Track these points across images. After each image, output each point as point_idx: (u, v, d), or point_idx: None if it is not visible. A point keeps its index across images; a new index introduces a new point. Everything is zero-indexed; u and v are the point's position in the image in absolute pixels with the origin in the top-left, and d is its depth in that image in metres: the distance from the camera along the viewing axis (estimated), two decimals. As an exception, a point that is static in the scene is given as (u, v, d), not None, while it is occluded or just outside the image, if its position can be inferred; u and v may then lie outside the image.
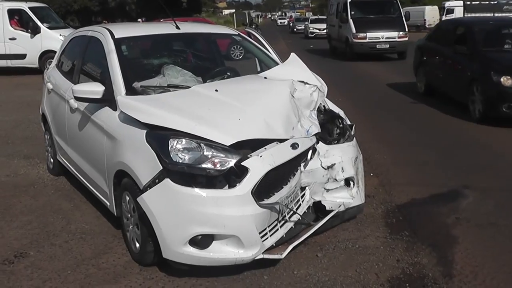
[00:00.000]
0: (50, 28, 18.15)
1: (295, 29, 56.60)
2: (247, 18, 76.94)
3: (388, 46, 21.46)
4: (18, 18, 18.28)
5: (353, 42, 21.50)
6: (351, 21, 21.82)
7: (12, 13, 18.23)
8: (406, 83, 14.08)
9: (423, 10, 51.70)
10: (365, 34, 21.25)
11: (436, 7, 52.09)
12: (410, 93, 12.89)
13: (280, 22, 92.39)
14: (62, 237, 4.93)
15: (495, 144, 8.00)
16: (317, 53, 26.28)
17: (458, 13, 54.70)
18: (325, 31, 39.81)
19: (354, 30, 21.36)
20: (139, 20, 38.09)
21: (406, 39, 21.58)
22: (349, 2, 22.35)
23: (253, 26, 39.94)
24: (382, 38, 21.29)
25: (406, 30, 21.87)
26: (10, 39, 17.84)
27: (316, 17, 52.39)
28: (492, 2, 58.95)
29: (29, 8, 18.33)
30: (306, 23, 48.68)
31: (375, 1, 23.48)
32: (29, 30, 17.88)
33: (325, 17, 46.57)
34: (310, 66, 5.38)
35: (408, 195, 5.86)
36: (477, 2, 60.38)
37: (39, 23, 17.97)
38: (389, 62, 21.36)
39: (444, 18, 54.31)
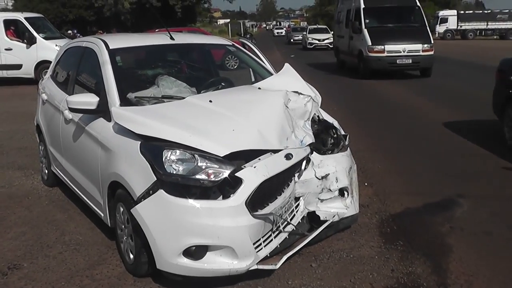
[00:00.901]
0: (46, 38, 18.16)
1: (292, 40, 53.48)
2: (242, 27, 77.21)
3: (410, 61, 18.05)
4: (14, 29, 18.30)
5: (369, 57, 18.18)
6: (365, 31, 18.59)
7: (8, 23, 18.25)
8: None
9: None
10: (383, 47, 18.00)
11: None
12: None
13: (277, 33, 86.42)
14: (56, 248, 4.92)
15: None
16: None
17: (452, 22, 55.10)
18: (325, 41, 39.26)
19: (369, 42, 18.13)
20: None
21: (432, 52, 18.28)
22: (363, 9, 19.16)
23: (247, 36, 40.18)
24: (404, 51, 17.95)
25: (432, 42, 18.50)
26: (6, 49, 17.86)
27: (315, 26, 48.67)
28: (486, 12, 59.44)
29: (25, 18, 18.37)
30: (304, 33, 44.98)
31: (393, 6, 19.67)
32: (25, 41, 17.90)
33: (324, 26, 45.74)
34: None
35: (403, 205, 5.87)
36: (471, 12, 60.87)
37: (35, 34, 18.00)
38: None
39: (438, 27, 54.86)
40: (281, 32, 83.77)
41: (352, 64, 20.33)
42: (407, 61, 18.01)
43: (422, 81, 17.86)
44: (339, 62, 23.13)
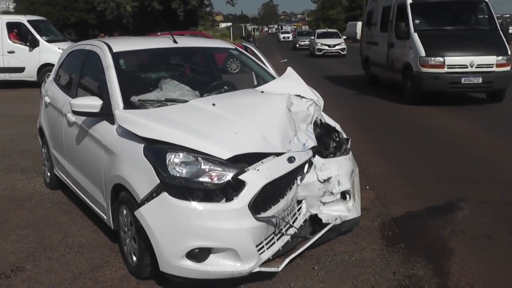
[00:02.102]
0: (48, 41, 18.16)
1: (297, 45, 48.01)
2: (243, 31, 77.27)
3: (480, 80, 12.54)
4: (16, 31, 18.31)
5: (421, 73, 12.80)
6: (415, 36, 13.29)
7: (11, 26, 18.25)
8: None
9: (356, 24, 53.94)
10: (442, 60, 12.63)
11: (360, 23, 54.24)
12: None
13: (283, 37, 75.40)
14: (59, 251, 4.93)
15: (490, 156, 8.02)
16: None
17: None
18: (336, 48, 35.12)
19: (422, 52, 12.85)
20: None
21: (509, 68, 12.82)
22: (410, 4, 13.91)
23: (250, 39, 40.08)
24: (471, 66, 12.54)
25: (509, 52, 12.95)
26: (8, 52, 17.86)
27: (324, 30, 41.90)
28: (485, 16, 59.12)
29: (28, 21, 18.35)
30: (312, 37, 39.11)
31: (452, 1, 14.53)
32: (28, 43, 17.90)
33: (335, 30, 40.33)
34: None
35: (404, 208, 5.89)
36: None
37: (38, 37, 17.99)
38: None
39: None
40: (288, 37, 73.30)
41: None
42: (476, 80, 12.58)
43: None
44: (369, 76, 17.76)
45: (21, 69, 17.85)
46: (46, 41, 18.09)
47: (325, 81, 19.41)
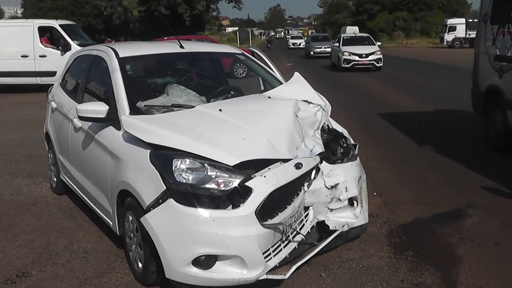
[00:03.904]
0: (80, 45, 18.08)
1: (311, 52, 40.28)
2: (249, 35, 77.51)
3: None
4: (48, 36, 18.35)
5: None
6: None
7: (42, 30, 18.36)
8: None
9: (344, 29, 53.03)
10: None
11: (356, 28, 54.00)
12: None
13: (293, 44, 64.16)
14: (64, 257, 4.92)
15: (497, 161, 7.96)
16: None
17: (460, 31, 54.91)
18: (369, 58, 25.88)
19: None
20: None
21: None
22: None
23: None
24: None
25: None
26: (40, 56, 17.94)
27: (352, 35, 31.93)
28: (494, 20, 59.01)
29: (60, 25, 18.50)
30: (336, 44, 28.85)
31: None
32: (60, 47, 17.95)
33: (365, 35, 31.06)
34: None
35: (412, 214, 5.84)
36: (479, 20, 60.38)
37: (70, 40, 18.07)
38: None
39: (446, 36, 54.72)
40: (299, 44, 62.42)
41: None
42: None
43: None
44: (498, 121, 8.46)
45: (52, 73, 17.57)
46: (77, 45, 18.01)
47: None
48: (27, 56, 18.17)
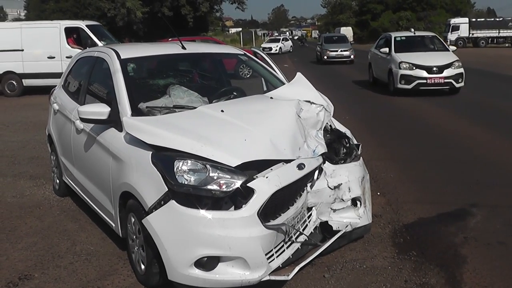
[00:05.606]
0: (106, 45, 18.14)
1: (325, 57, 32.75)
2: (253, 36, 77.78)
3: None
4: (75, 36, 18.32)
5: None
6: None
7: (69, 31, 18.33)
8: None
9: (338, 30, 53.60)
10: None
11: (350, 28, 54.29)
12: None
13: (264, 49, 44.40)
14: (67, 259, 4.91)
15: (502, 161, 7.93)
16: None
17: (464, 30, 54.92)
18: (442, 75, 15.50)
19: None
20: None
21: None
22: None
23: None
24: None
25: None
26: (67, 57, 17.72)
27: (410, 34, 18.70)
28: (497, 19, 59.23)
29: (87, 26, 18.50)
30: (385, 50, 17.42)
31: None
32: (87, 48, 17.92)
33: (429, 33, 19.79)
34: None
35: (416, 214, 5.82)
36: (482, 19, 60.65)
37: (97, 41, 18.03)
38: None
39: (449, 35, 54.69)
40: (271, 49, 50.14)
41: None
42: None
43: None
44: None
45: None
46: (104, 45, 18.04)
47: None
48: (54, 57, 18.13)
